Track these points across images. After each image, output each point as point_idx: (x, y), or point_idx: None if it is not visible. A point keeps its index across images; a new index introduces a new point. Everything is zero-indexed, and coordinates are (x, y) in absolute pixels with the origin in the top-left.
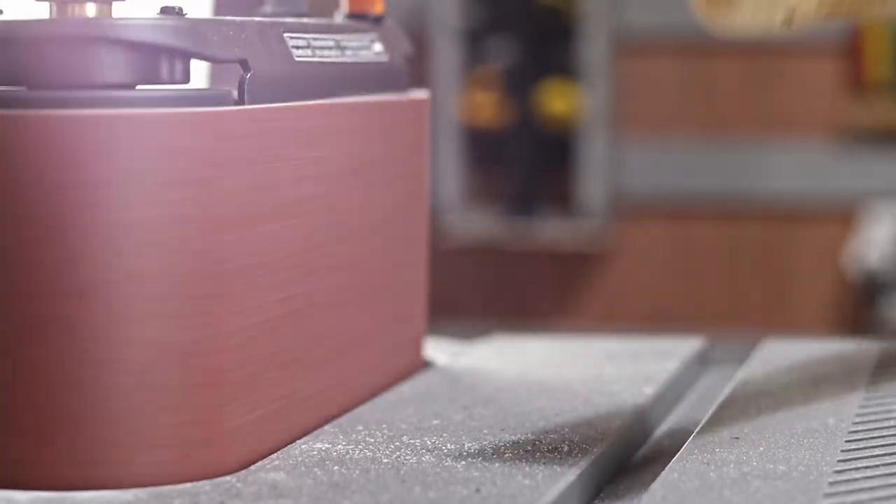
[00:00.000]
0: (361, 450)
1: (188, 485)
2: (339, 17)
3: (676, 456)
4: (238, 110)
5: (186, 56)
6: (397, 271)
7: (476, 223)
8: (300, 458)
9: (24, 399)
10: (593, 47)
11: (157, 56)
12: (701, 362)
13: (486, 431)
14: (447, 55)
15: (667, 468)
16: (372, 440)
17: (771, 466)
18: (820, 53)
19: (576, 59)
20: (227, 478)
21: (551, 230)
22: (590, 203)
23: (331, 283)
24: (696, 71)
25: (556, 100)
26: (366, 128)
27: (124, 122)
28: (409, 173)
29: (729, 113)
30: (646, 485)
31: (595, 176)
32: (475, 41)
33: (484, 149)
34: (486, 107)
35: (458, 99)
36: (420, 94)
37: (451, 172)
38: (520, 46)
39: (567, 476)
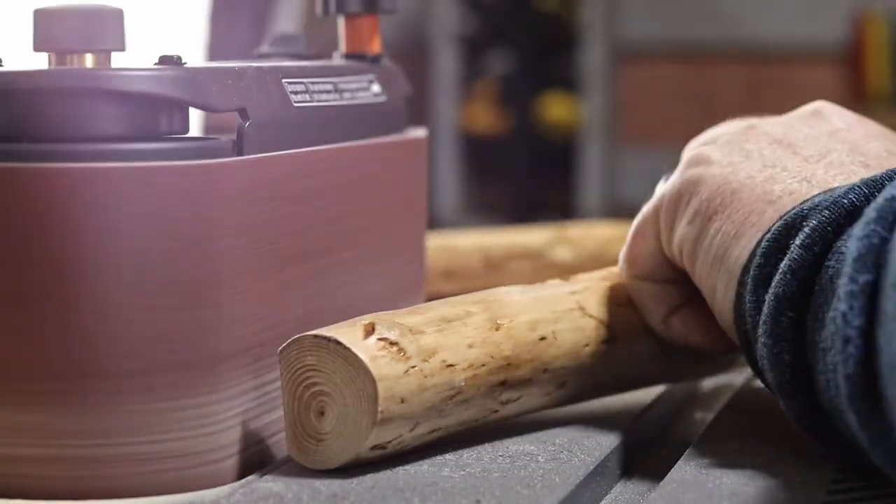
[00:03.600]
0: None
1: (184, 496)
2: (337, 58)
3: (675, 466)
4: (235, 161)
5: (185, 106)
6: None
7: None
8: (297, 468)
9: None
10: (592, 56)
11: (156, 107)
12: None
13: (485, 441)
14: (446, 64)
15: (665, 478)
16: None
17: (770, 477)
18: (820, 63)
19: (574, 68)
20: (224, 488)
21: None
22: (588, 211)
23: None
24: (694, 80)
25: (555, 109)
26: (365, 171)
27: (119, 176)
28: (408, 213)
29: (727, 121)
30: (645, 495)
31: (593, 184)
32: (474, 50)
33: (483, 158)
34: (485, 116)
35: (457, 108)
36: (418, 132)
37: (449, 182)
38: (519, 56)
39: (566, 486)
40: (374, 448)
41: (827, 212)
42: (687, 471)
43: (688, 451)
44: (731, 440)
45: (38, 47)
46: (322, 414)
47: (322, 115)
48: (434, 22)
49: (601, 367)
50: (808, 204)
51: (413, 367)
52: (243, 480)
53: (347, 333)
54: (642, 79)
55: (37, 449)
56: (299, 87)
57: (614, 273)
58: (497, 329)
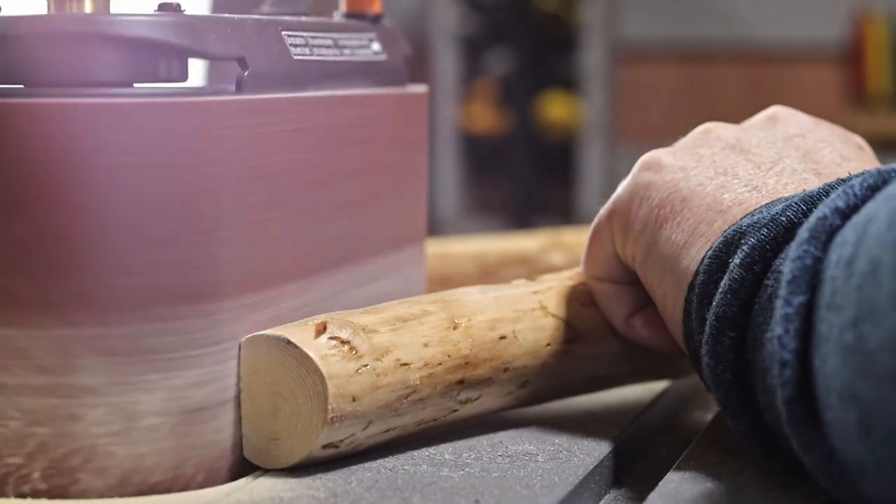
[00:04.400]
0: (358, 459)
1: (184, 495)
2: (337, 17)
3: (674, 465)
4: (234, 99)
5: (184, 53)
6: (396, 259)
7: (476, 232)
8: (296, 467)
9: None
10: (592, 56)
11: (155, 53)
12: None
13: (483, 441)
14: (446, 64)
15: (664, 478)
16: (370, 449)
17: (769, 478)
18: (820, 63)
19: (574, 68)
20: (223, 488)
21: None
22: (588, 211)
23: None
24: (694, 80)
25: (555, 109)
26: (364, 119)
27: (117, 110)
28: (408, 164)
29: (727, 121)
30: (643, 494)
31: (593, 184)
32: (474, 50)
33: (483, 158)
34: (485, 116)
35: (457, 108)
36: (418, 88)
37: (449, 182)
38: (519, 56)
39: (565, 486)
40: (326, 447)
41: (765, 230)
42: (686, 471)
43: (687, 451)
44: (730, 440)
45: None
46: (275, 413)
47: (321, 68)
48: (434, 22)
49: (564, 366)
50: (747, 220)
51: (365, 365)
52: (241, 480)
53: (298, 332)
54: (642, 79)
55: (25, 378)
56: (299, 41)
57: (580, 273)
58: (455, 328)
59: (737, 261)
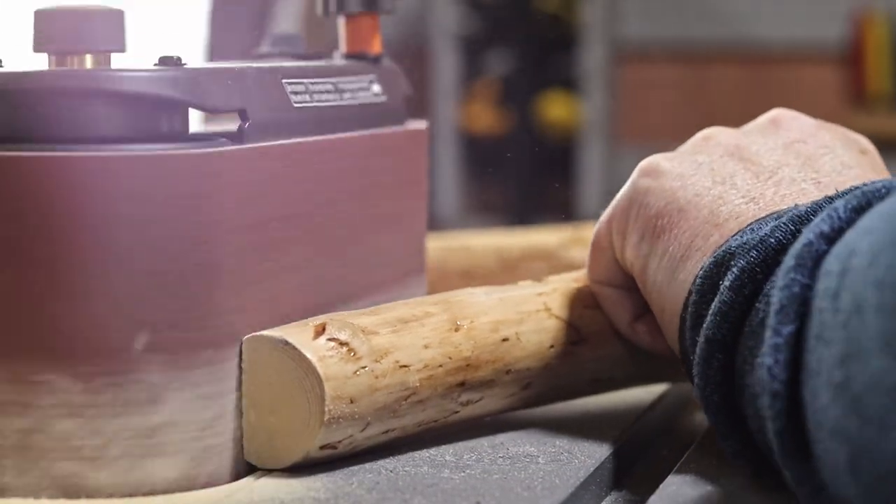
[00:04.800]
0: (359, 460)
1: (183, 495)
2: (337, 58)
3: (675, 468)
4: (233, 150)
5: (186, 107)
6: (396, 294)
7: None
8: (297, 468)
9: None
10: (592, 56)
11: (157, 108)
12: None
13: (484, 442)
14: (446, 64)
15: (665, 481)
16: (370, 450)
17: (769, 479)
18: (820, 63)
19: (574, 68)
20: (223, 489)
21: None
22: (588, 212)
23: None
24: (694, 80)
25: (555, 109)
26: (364, 159)
27: (118, 163)
28: (409, 202)
29: (727, 122)
30: (644, 497)
31: (593, 184)
32: (474, 50)
33: (483, 158)
34: (485, 116)
35: (457, 108)
36: (418, 124)
37: (449, 182)
38: (519, 56)
39: (566, 488)
40: (324, 447)
41: (754, 252)
42: (687, 473)
43: (688, 452)
44: None
45: (37, 48)
46: (273, 413)
47: (322, 114)
48: (434, 22)
49: (567, 368)
50: (737, 241)
51: (363, 367)
52: (242, 480)
53: (297, 334)
54: (642, 79)
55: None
56: (299, 88)
57: (586, 274)
58: (456, 330)
59: (726, 283)
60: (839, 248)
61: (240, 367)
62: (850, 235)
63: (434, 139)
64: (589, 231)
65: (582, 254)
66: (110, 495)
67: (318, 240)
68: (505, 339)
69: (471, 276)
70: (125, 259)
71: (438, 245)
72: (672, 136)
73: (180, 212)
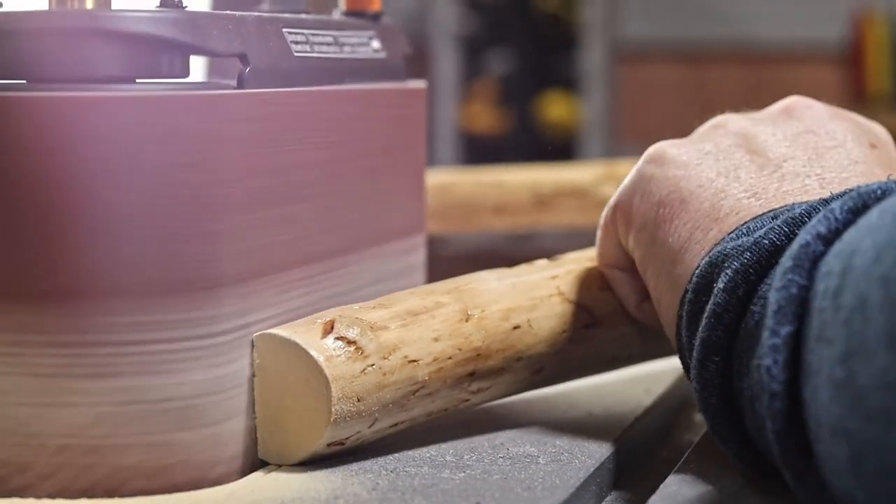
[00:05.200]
0: (360, 459)
1: (184, 495)
2: (337, 15)
3: (675, 468)
4: (235, 93)
5: (186, 49)
6: (397, 248)
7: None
8: (298, 467)
9: None
10: (592, 56)
11: (157, 49)
12: None
13: (484, 442)
14: (446, 64)
15: (665, 481)
16: (370, 450)
17: (770, 480)
18: (820, 63)
19: (574, 68)
20: (224, 487)
21: (550, 239)
22: None
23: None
24: (694, 80)
25: (555, 109)
26: (364, 112)
27: (118, 104)
28: (407, 159)
29: None
30: (645, 497)
31: None
32: (474, 50)
33: (482, 158)
34: (485, 116)
35: (457, 108)
36: (418, 83)
37: None
38: (519, 56)
39: (566, 488)
40: (331, 444)
41: (748, 253)
42: (687, 473)
43: (688, 453)
44: None
45: None
46: (281, 410)
47: (322, 65)
48: (434, 22)
49: (580, 351)
50: (731, 243)
51: (371, 365)
52: (244, 479)
53: (305, 332)
54: (642, 79)
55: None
56: (300, 38)
57: None
58: (467, 320)
59: (720, 285)
60: (839, 248)
61: (251, 365)
62: (850, 235)
63: (434, 139)
64: (622, 168)
65: (615, 190)
66: (104, 492)
67: (318, 189)
68: (516, 327)
69: (504, 211)
70: (124, 199)
71: (471, 180)
72: (672, 136)
73: (180, 153)
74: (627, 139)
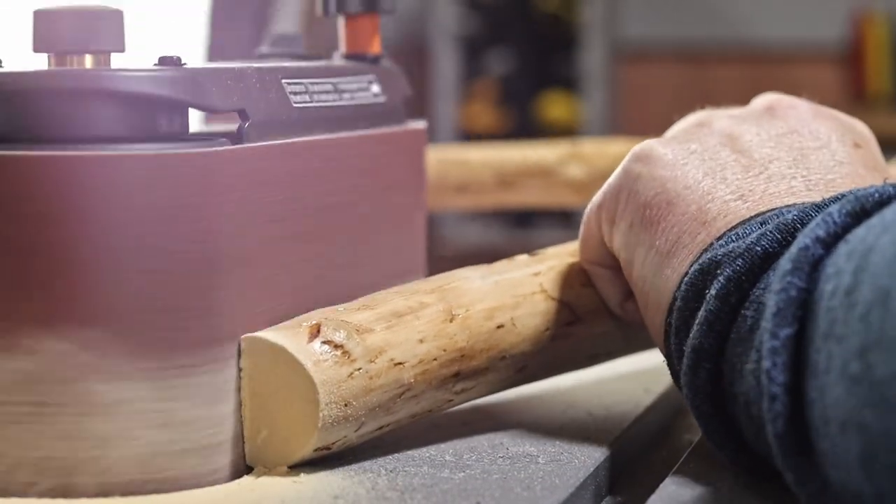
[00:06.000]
0: (360, 459)
1: (181, 494)
2: (336, 58)
3: (674, 468)
4: (232, 149)
5: (185, 107)
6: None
7: (475, 232)
8: (297, 467)
9: None
10: (592, 56)
11: (157, 107)
12: None
13: (484, 442)
14: (446, 64)
15: (664, 481)
16: (370, 450)
17: (770, 479)
18: (820, 63)
19: (574, 68)
20: (221, 488)
21: (550, 239)
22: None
23: None
24: (694, 80)
25: (555, 109)
26: (362, 158)
27: (117, 163)
28: (408, 201)
29: None
30: (644, 497)
31: None
32: (474, 50)
33: None
34: (485, 116)
35: (457, 108)
36: (417, 124)
37: None
38: (519, 56)
39: (566, 488)
40: (318, 449)
41: (740, 260)
42: (686, 473)
43: (687, 453)
44: None
45: (37, 48)
46: (269, 415)
47: (321, 114)
48: (434, 22)
49: (563, 349)
50: (723, 249)
51: (358, 369)
52: (242, 479)
53: (291, 336)
54: (642, 79)
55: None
56: (299, 88)
57: None
58: (451, 320)
59: (713, 292)
60: (850, 248)
61: (239, 368)
62: (859, 235)
63: (434, 139)
64: (587, 147)
65: (579, 170)
66: (101, 494)
67: (318, 239)
68: (500, 326)
69: (467, 190)
70: (124, 258)
71: (436, 157)
72: None
73: (180, 211)
74: (628, 138)
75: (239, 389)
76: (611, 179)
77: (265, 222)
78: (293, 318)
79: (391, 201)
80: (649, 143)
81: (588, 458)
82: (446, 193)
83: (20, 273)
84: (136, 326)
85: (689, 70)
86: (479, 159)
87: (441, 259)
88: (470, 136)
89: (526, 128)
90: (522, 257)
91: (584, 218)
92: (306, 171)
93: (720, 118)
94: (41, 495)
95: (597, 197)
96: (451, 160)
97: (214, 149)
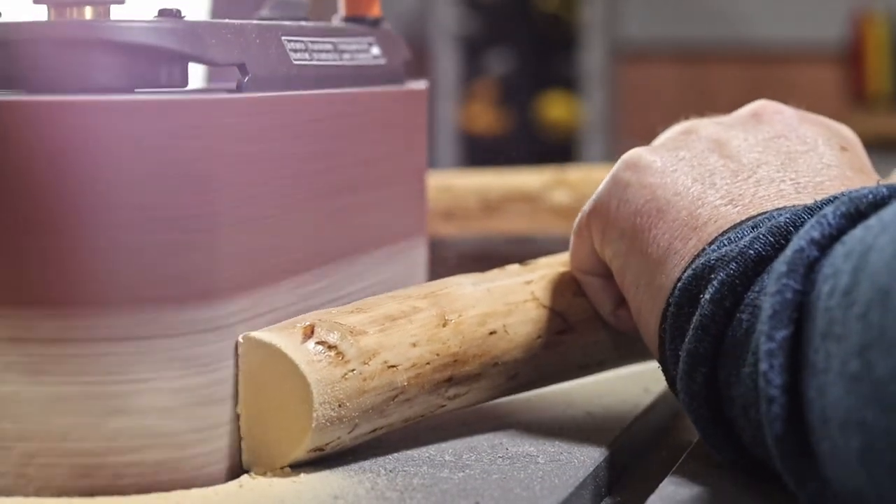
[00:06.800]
0: (359, 459)
1: (179, 493)
2: (336, 21)
3: (674, 468)
4: (233, 98)
5: (185, 59)
6: (397, 250)
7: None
8: (295, 467)
9: None
10: (592, 56)
11: (155, 59)
12: None
13: (484, 442)
14: (446, 64)
15: (664, 481)
16: (369, 450)
17: (770, 479)
18: (820, 63)
19: (574, 68)
20: (219, 487)
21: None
22: None
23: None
24: (694, 80)
25: (555, 109)
26: (363, 114)
27: (117, 109)
28: (408, 160)
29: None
30: (643, 497)
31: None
32: (474, 50)
33: (482, 158)
34: (485, 116)
35: (457, 108)
36: (418, 84)
37: None
38: (519, 56)
39: (565, 488)
40: (311, 450)
41: (734, 264)
42: (686, 473)
43: (687, 452)
44: None
45: (37, 0)
46: (264, 415)
47: (321, 73)
48: (434, 22)
49: (555, 357)
50: (716, 253)
51: (352, 370)
52: (240, 480)
53: (285, 337)
54: (642, 79)
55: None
56: (299, 46)
57: None
58: (444, 325)
59: (707, 297)
60: (847, 248)
61: (236, 367)
62: (857, 235)
63: (434, 139)
64: (573, 174)
65: (565, 196)
66: (99, 492)
67: (317, 193)
68: (492, 333)
69: (452, 216)
70: (123, 205)
71: None
72: None
73: (179, 158)
74: (627, 139)
75: (236, 389)
76: (600, 189)
77: (263, 174)
78: (291, 272)
79: (392, 161)
80: (637, 152)
81: (587, 458)
82: (432, 220)
83: (13, 220)
84: (131, 278)
85: (689, 70)
86: (464, 186)
87: (444, 260)
88: (470, 136)
89: (526, 128)
90: (514, 266)
91: (575, 228)
92: (305, 124)
93: (707, 125)
94: (37, 493)
95: (587, 206)
96: (435, 187)
97: (214, 96)
